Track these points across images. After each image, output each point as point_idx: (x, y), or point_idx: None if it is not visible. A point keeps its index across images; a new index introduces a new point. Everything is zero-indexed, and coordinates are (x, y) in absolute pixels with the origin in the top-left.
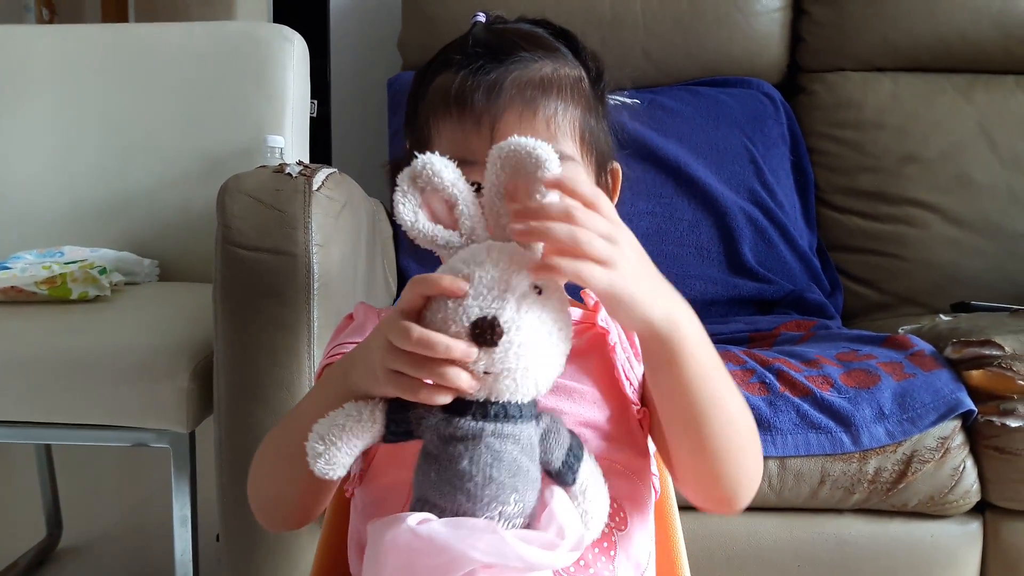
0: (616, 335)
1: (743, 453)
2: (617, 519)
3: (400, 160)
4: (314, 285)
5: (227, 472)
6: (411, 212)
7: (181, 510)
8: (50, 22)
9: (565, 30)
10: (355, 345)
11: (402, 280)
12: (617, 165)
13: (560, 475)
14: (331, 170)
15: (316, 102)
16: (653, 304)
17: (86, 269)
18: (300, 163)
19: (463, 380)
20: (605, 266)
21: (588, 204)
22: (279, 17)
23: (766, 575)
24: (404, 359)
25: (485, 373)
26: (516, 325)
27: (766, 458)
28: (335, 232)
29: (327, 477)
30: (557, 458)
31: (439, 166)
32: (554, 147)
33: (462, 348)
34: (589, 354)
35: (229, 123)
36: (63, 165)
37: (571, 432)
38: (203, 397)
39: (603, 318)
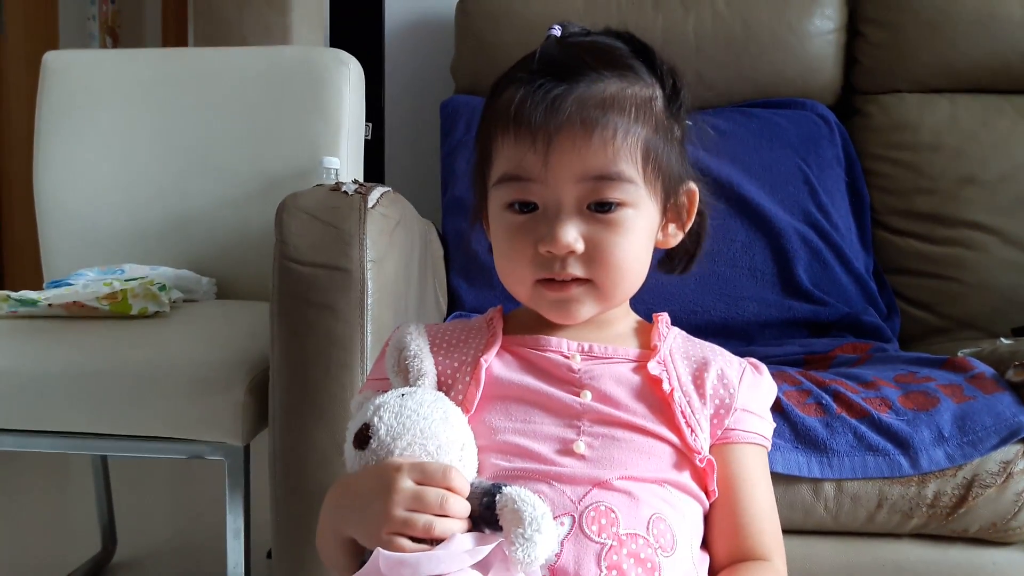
0: (674, 380)
1: None
2: (663, 541)
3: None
4: (368, 300)
5: (281, 485)
6: None
7: (235, 522)
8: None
9: (645, 45)
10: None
11: (452, 299)
12: (693, 186)
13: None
14: (386, 188)
15: (371, 125)
16: None
17: (146, 286)
18: (356, 181)
19: None
20: None
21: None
22: (335, 42)
23: None
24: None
25: None
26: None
27: (823, 480)
28: (389, 249)
29: None
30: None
31: None
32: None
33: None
34: (645, 391)
35: (286, 145)
36: (125, 186)
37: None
38: (259, 411)
39: (660, 359)
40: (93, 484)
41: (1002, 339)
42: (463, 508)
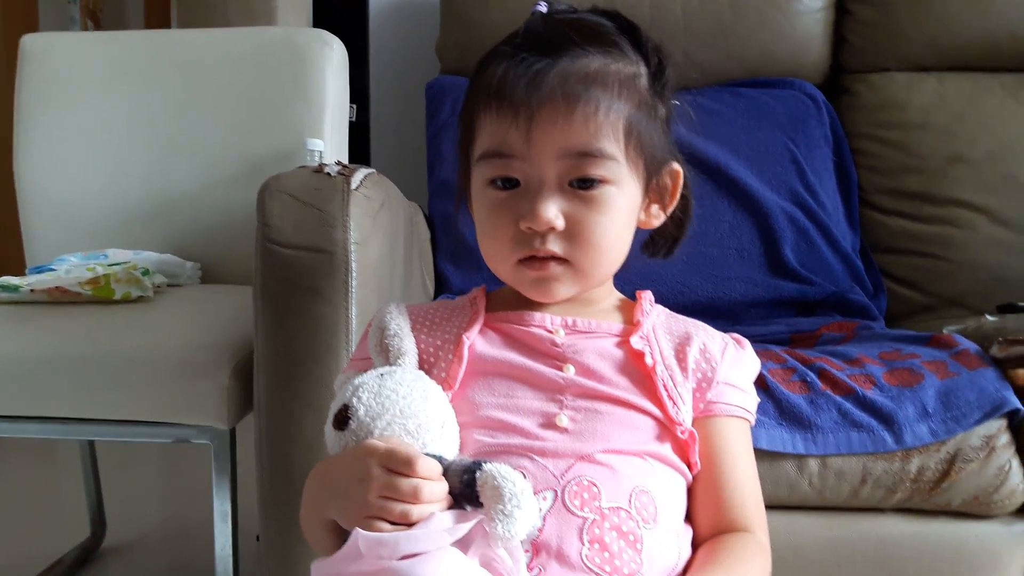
0: (657, 354)
1: None
2: (645, 513)
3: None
4: (352, 283)
5: (267, 468)
6: None
7: (222, 505)
8: None
9: (631, 23)
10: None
11: (439, 282)
12: (677, 167)
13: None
14: (369, 170)
15: (355, 106)
16: None
17: (129, 270)
18: (339, 163)
19: None
20: None
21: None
22: (319, 22)
23: (806, 575)
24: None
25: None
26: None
27: (808, 457)
28: (373, 231)
29: None
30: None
31: None
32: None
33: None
34: (628, 364)
35: (270, 127)
36: (107, 170)
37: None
38: (244, 394)
39: (642, 334)
40: (81, 470)
41: (987, 316)
42: (438, 493)
